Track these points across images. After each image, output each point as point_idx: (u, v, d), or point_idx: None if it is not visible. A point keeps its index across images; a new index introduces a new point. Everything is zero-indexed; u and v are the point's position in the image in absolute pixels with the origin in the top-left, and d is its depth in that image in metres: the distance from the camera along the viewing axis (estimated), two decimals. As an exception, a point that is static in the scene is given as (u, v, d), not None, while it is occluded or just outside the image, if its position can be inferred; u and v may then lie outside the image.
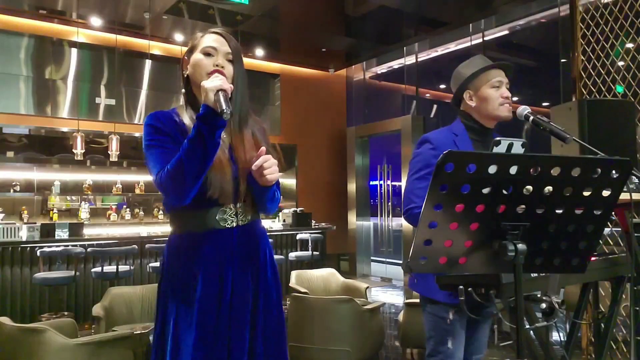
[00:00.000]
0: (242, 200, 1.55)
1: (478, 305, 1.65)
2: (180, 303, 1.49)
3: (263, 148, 1.50)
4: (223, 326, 1.49)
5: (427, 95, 8.45)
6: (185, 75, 1.59)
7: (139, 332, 2.89)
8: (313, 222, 7.12)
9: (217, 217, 1.51)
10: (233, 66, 1.57)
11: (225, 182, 1.49)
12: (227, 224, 1.53)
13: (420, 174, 1.93)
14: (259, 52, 8.02)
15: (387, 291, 7.43)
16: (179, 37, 7.30)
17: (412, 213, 1.89)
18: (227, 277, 1.51)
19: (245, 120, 1.62)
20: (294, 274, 4.24)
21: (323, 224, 7.30)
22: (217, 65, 1.52)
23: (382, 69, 9.08)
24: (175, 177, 1.39)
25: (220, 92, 1.36)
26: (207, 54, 1.54)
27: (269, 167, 1.47)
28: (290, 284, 4.12)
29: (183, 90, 1.61)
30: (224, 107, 1.33)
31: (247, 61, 1.68)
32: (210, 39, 1.56)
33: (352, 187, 8.89)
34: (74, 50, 6.81)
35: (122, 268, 4.88)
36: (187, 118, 1.55)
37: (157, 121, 1.51)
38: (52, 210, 6.78)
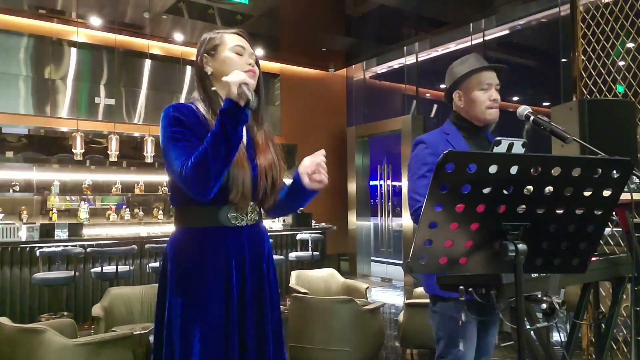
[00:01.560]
0: (254, 199, 1.56)
1: (486, 307, 1.65)
2: (187, 296, 1.49)
3: (323, 150, 1.54)
4: (233, 322, 1.49)
5: (427, 95, 8.45)
6: (209, 73, 1.59)
7: (138, 332, 2.89)
8: (313, 222, 7.11)
9: (228, 215, 1.52)
10: (257, 66, 1.61)
11: (246, 185, 1.50)
12: (238, 222, 1.54)
13: (419, 173, 1.93)
14: (259, 52, 7.99)
15: (387, 291, 7.43)
16: (178, 36, 7.29)
17: (419, 213, 1.88)
18: (237, 274, 1.52)
19: (262, 120, 1.66)
20: (294, 274, 4.24)
21: (323, 224, 7.30)
22: (250, 64, 1.57)
23: (382, 68, 9.08)
24: (199, 171, 1.37)
25: (243, 85, 1.37)
26: (238, 53, 1.57)
27: (324, 172, 1.53)
28: (290, 284, 4.11)
29: (210, 87, 1.60)
30: (250, 96, 1.35)
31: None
32: (236, 39, 1.60)
33: (352, 187, 8.89)
34: (74, 50, 6.81)
35: (122, 268, 4.88)
36: (206, 112, 1.54)
37: (180, 113, 1.50)
38: (52, 210, 6.78)
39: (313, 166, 1.52)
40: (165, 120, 1.49)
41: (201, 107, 1.55)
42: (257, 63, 1.61)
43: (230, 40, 1.59)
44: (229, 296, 1.50)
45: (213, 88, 1.58)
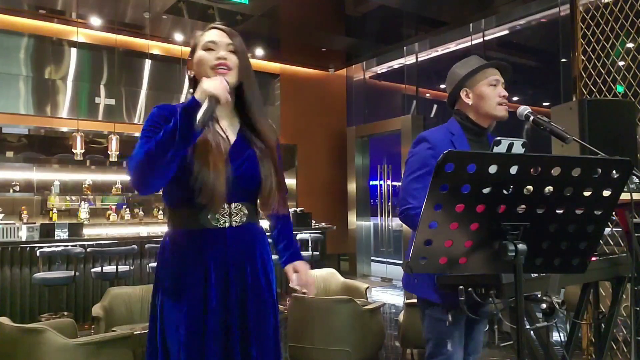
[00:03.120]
0: (238, 200, 1.53)
1: (475, 305, 1.65)
2: (169, 298, 1.49)
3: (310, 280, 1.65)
4: (212, 326, 1.46)
5: (427, 95, 8.45)
6: (192, 76, 1.58)
7: (138, 332, 2.89)
8: (313, 222, 7.11)
9: (208, 217, 1.49)
10: (237, 56, 1.54)
11: (217, 188, 1.45)
12: (220, 224, 1.51)
13: (416, 174, 1.90)
14: (259, 52, 8.01)
15: (387, 291, 7.43)
16: (178, 37, 7.29)
17: (407, 214, 1.87)
18: (217, 277, 1.49)
19: (256, 115, 1.59)
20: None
21: (323, 224, 7.30)
22: (219, 58, 1.50)
23: (382, 68, 9.08)
24: (142, 162, 1.36)
25: (209, 99, 1.34)
26: (208, 49, 1.53)
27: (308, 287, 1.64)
28: (290, 284, 4.11)
29: (191, 91, 1.58)
30: (199, 117, 1.31)
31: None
32: (210, 35, 1.55)
33: (352, 187, 8.89)
34: (74, 50, 6.81)
35: (122, 268, 4.88)
36: None
37: (164, 111, 1.50)
38: (52, 210, 6.78)
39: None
40: (149, 115, 1.51)
41: None
42: (237, 52, 1.54)
43: (204, 37, 1.56)
44: (207, 300, 1.47)
45: (191, 91, 1.57)
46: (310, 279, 1.66)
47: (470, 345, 2.01)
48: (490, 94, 1.93)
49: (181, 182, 1.45)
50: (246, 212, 1.55)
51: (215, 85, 1.37)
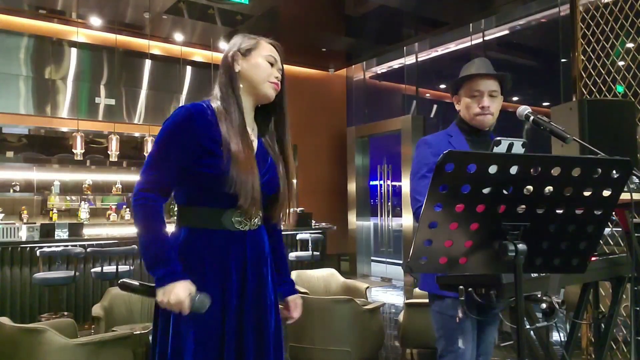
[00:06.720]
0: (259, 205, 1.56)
1: (484, 306, 1.65)
2: None
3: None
4: (231, 326, 1.47)
5: (427, 95, 8.45)
6: (237, 71, 1.59)
7: (138, 332, 2.89)
8: (313, 222, 7.11)
9: (232, 219, 1.50)
10: (283, 77, 1.65)
11: (255, 189, 1.48)
12: (242, 227, 1.53)
13: (421, 173, 1.97)
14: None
15: (387, 291, 7.43)
16: (178, 36, 7.29)
17: (419, 213, 1.89)
18: (237, 278, 1.51)
19: (277, 128, 1.69)
20: (294, 274, 4.24)
21: (323, 224, 7.30)
22: (277, 78, 1.60)
23: (382, 68, 9.08)
24: (137, 220, 1.44)
25: (186, 301, 1.38)
26: (270, 62, 1.60)
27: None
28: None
29: (241, 86, 1.59)
30: (193, 304, 1.38)
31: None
32: (272, 49, 1.63)
33: (352, 187, 8.89)
34: (74, 50, 6.81)
35: (122, 268, 4.88)
36: (218, 110, 1.54)
37: (189, 121, 1.48)
38: (52, 210, 6.78)
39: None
40: (173, 119, 1.48)
41: (215, 105, 1.54)
42: (283, 77, 1.64)
43: (266, 48, 1.62)
44: (227, 300, 1.48)
45: (240, 85, 1.59)
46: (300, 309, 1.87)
47: (482, 346, 2.02)
48: (469, 105, 1.99)
49: (210, 182, 1.46)
50: (261, 215, 1.60)
51: (179, 298, 1.38)
